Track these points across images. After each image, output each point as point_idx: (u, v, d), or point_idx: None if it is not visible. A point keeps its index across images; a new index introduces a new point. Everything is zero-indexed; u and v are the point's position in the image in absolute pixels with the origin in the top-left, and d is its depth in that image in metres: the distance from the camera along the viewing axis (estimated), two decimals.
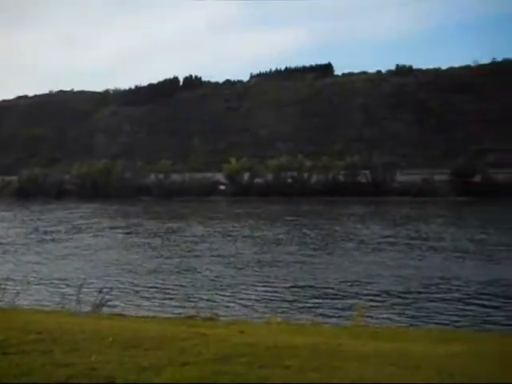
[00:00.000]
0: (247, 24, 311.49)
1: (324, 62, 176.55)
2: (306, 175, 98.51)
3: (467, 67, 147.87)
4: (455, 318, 20.59)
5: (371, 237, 46.06)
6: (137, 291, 25.75)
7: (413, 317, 20.89)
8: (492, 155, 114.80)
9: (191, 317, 10.77)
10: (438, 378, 6.29)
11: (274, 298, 24.29)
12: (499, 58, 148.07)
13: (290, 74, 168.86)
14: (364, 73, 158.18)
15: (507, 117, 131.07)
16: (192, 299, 20.93)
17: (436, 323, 18.92)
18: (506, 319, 20.92)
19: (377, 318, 17.28)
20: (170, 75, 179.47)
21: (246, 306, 22.54)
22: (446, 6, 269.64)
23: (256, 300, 23.85)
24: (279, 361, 6.74)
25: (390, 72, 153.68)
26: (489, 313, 22.00)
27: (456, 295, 24.96)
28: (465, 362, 6.97)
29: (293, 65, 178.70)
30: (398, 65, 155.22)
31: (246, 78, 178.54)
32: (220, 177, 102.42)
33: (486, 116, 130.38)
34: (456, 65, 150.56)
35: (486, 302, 23.62)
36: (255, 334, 8.57)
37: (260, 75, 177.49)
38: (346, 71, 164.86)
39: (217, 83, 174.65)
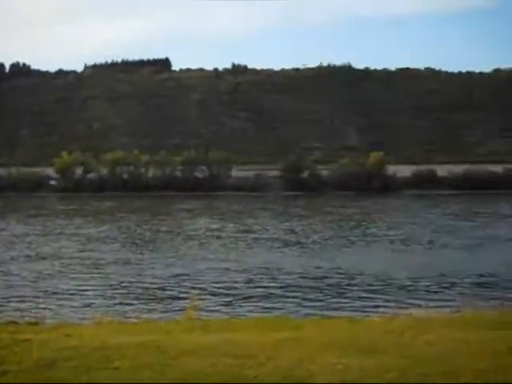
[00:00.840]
0: (83, 13, 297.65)
1: (162, 56, 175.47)
2: (142, 170, 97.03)
3: (297, 69, 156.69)
4: (281, 306, 21.79)
5: (199, 231, 46.92)
6: None
7: (242, 307, 21.69)
8: (318, 152, 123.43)
9: (13, 322, 10.02)
10: (269, 365, 6.59)
11: (101, 298, 23.54)
12: (325, 63, 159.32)
13: (126, 66, 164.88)
14: (201, 69, 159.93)
15: (331, 117, 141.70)
16: (12, 303, 19.47)
17: (264, 312, 19.82)
18: (324, 304, 22.73)
19: (208, 311, 17.62)
20: None
21: (72, 307, 21.57)
22: (279, 10, 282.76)
23: (83, 300, 22.93)
24: (107, 362, 6.55)
25: (226, 70, 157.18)
26: (309, 299, 23.71)
27: (280, 284, 26.48)
28: (292, 348, 7.38)
29: (130, 57, 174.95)
30: (233, 63, 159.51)
31: (80, 69, 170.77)
32: (50, 171, 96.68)
33: (313, 116, 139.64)
34: (287, 67, 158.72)
35: (306, 290, 25.43)
36: (83, 336, 8.23)
37: (95, 66, 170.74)
38: (184, 67, 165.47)
39: (47, 72, 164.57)
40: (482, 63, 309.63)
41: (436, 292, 25.22)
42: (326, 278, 28.25)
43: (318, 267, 30.54)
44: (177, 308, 19.97)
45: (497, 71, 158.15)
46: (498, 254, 36.19)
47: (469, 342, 7.50)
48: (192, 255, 34.86)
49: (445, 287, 26.25)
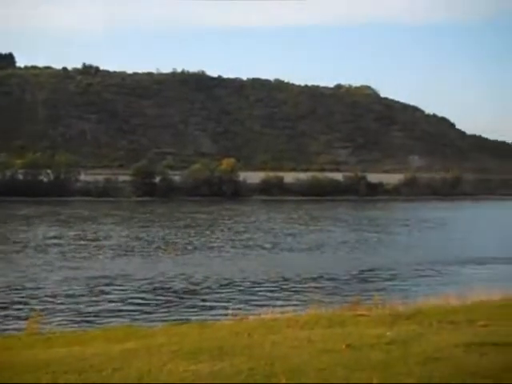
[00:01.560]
0: None
1: (5, 51, 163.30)
2: None
3: (150, 74, 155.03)
4: (128, 315, 21.29)
5: (36, 239, 44.59)
6: None
7: (87, 318, 20.83)
8: (170, 158, 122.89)
9: None
10: (116, 377, 6.41)
11: None
12: (179, 69, 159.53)
13: None
14: (48, 68, 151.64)
15: (185, 123, 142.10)
16: None
17: (110, 322, 19.23)
18: (172, 311, 22.66)
19: (50, 324, 16.61)
20: None
21: None
22: (133, 12, 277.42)
23: None
24: None
25: (76, 70, 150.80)
26: (156, 307, 23.48)
27: (124, 293, 25.89)
28: (141, 358, 7.25)
29: None
30: (84, 64, 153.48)
31: None
32: None
33: (166, 121, 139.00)
34: (140, 70, 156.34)
35: (152, 297, 25.19)
36: None
37: None
38: (30, 64, 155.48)
39: None
40: (327, 78, 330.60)
41: (280, 293, 26.35)
42: (172, 284, 28.20)
43: (162, 274, 30.42)
44: (18, 321, 18.62)
45: (338, 86, 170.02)
46: (333, 256, 38.96)
47: (311, 341, 7.92)
48: (28, 264, 32.83)
49: (288, 288, 27.54)
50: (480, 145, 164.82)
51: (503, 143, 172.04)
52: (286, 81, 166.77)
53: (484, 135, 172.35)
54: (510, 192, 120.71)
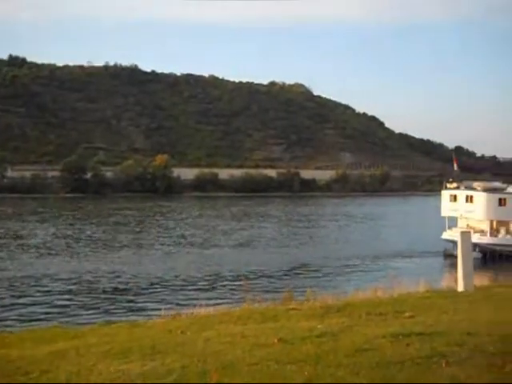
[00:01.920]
0: None
1: None
2: None
3: (81, 67, 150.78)
4: (56, 316, 20.66)
5: None
6: None
7: (11, 321, 20.03)
8: (102, 153, 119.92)
9: None
10: (43, 379, 6.21)
11: None
12: (111, 62, 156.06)
13: None
14: None
15: (117, 117, 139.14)
16: None
17: (37, 323, 18.60)
18: (102, 310, 22.17)
19: None
20: None
21: None
22: (66, 4, 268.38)
23: None
24: None
25: (1, 61, 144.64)
26: (85, 306, 22.87)
27: (50, 293, 25.08)
28: (70, 359, 7.06)
29: None
30: (11, 55, 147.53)
31: None
32: None
33: (98, 115, 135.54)
34: (71, 63, 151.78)
35: (80, 297, 24.56)
36: None
37: None
38: None
39: None
40: (261, 75, 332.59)
41: (213, 290, 26.35)
42: (100, 283, 27.58)
43: (90, 273, 29.71)
44: None
45: (272, 83, 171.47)
46: (265, 252, 39.37)
47: (244, 336, 7.96)
48: None
49: (221, 285, 27.59)
50: (407, 143, 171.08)
51: (429, 141, 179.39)
52: (220, 77, 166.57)
53: (411, 134, 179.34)
54: (434, 188, 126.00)
